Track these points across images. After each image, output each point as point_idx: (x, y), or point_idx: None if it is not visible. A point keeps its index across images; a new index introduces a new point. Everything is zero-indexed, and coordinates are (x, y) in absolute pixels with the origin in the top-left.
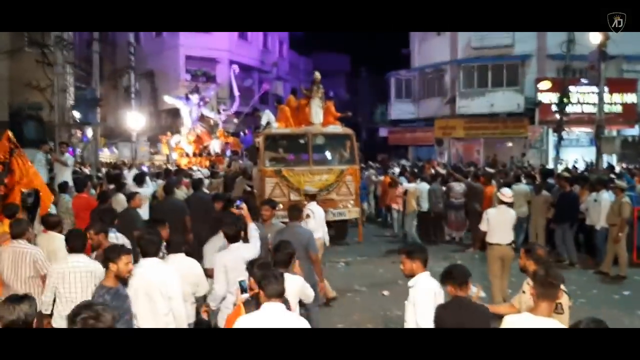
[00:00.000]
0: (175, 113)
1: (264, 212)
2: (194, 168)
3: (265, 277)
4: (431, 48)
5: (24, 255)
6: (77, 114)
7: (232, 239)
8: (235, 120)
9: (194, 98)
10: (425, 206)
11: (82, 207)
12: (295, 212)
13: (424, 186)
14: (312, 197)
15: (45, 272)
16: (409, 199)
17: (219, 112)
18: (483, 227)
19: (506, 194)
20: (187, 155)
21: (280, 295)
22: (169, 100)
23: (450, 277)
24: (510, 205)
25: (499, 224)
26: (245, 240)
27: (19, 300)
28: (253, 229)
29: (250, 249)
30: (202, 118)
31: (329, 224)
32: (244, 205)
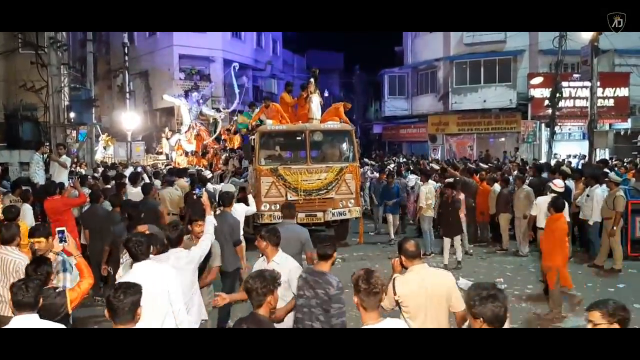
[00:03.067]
0: (169, 112)
1: (195, 227)
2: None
3: (16, 287)
4: (424, 45)
5: (8, 263)
6: (72, 115)
7: (173, 243)
8: (236, 118)
9: (194, 95)
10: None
11: (56, 210)
12: (289, 210)
13: (432, 185)
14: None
15: None
16: (421, 203)
17: (219, 110)
18: (533, 212)
19: (558, 184)
20: (187, 154)
21: (34, 307)
22: (168, 99)
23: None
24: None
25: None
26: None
27: None
28: (209, 223)
29: (190, 255)
30: (199, 116)
31: (329, 224)
32: (204, 193)
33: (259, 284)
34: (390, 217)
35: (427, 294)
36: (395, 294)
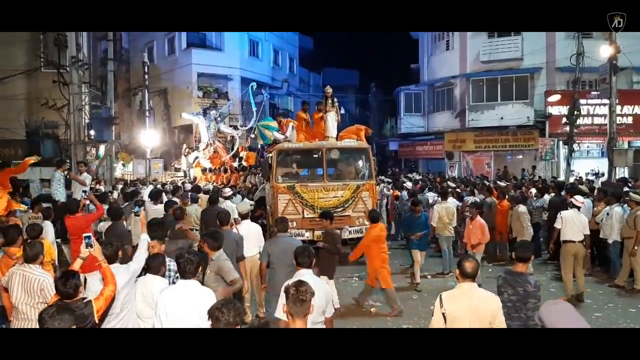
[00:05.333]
0: (188, 129)
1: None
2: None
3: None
4: (440, 63)
5: (32, 281)
6: (92, 132)
7: (110, 259)
8: (253, 136)
9: (213, 113)
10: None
11: (78, 228)
12: (283, 224)
13: (452, 204)
14: (244, 216)
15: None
16: (438, 223)
17: (236, 128)
18: (557, 225)
19: (579, 199)
20: (204, 171)
21: None
22: (187, 117)
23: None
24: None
25: (572, 224)
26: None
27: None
28: (143, 241)
29: (126, 271)
30: (216, 134)
31: (346, 241)
32: (141, 212)
33: (232, 314)
34: (418, 254)
35: (472, 313)
36: (442, 306)
